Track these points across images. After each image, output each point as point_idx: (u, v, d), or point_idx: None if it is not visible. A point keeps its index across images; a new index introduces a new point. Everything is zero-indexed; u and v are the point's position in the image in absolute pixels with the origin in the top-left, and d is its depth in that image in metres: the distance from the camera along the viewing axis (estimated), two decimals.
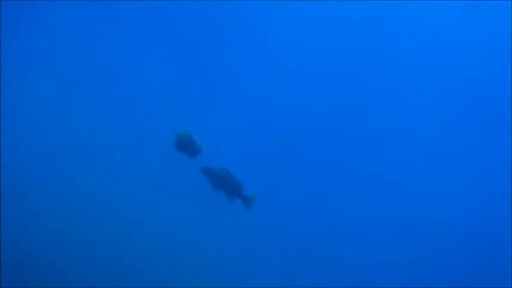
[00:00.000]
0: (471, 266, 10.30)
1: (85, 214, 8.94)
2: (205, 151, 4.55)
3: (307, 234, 10.27)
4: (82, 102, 10.23)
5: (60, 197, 9.05)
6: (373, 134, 11.31)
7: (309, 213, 10.49)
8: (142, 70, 10.76)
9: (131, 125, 10.37)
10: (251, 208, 4.96)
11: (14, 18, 10.09)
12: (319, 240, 10.24)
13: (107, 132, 10.14)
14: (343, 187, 10.84)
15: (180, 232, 9.33)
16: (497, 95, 11.20)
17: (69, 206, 9.00)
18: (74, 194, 9.15)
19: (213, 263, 9.17)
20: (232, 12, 11.10)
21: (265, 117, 11.13)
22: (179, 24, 11.09)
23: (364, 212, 10.70)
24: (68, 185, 9.25)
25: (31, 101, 9.91)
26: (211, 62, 11.24)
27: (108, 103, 10.43)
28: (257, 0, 11.10)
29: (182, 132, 4.36)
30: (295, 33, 11.43)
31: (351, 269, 10.04)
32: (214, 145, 4.94)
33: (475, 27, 11.29)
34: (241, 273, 9.24)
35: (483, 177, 11.12)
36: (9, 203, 8.55)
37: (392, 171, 11.09)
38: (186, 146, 4.38)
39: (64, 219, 8.79)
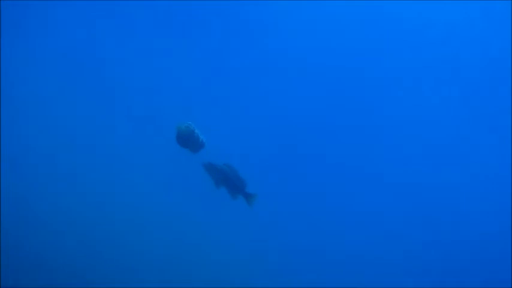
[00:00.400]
0: (471, 266, 10.26)
1: (84, 212, 8.91)
2: (207, 146, 4.48)
3: (309, 233, 10.23)
4: (83, 99, 10.22)
5: (60, 195, 9.02)
6: (374, 134, 11.29)
7: (311, 212, 10.46)
8: (145, 67, 10.74)
9: (132, 121, 10.34)
10: (253, 205, 4.88)
11: (14, 18, 10.07)
12: (320, 239, 10.20)
13: (108, 128, 10.11)
14: (346, 186, 10.81)
15: (181, 229, 9.28)
16: (497, 95, 11.18)
17: (68, 204, 8.97)
18: (74, 193, 9.12)
19: (214, 261, 9.13)
20: (235, 10, 11.08)
21: (267, 113, 11.10)
22: (182, 21, 11.07)
23: (365, 212, 10.67)
24: (67, 183, 9.22)
25: (31, 99, 9.88)
26: (213, 57, 11.22)
27: (110, 100, 10.42)
28: (258, 0, 11.10)
29: (184, 127, 4.27)
30: (298, 31, 11.42)
31: (350, 268, 10.01)
32: (217, 140, 4.88)
33: (476, 27, 11.28)
34: (242, 271, 9.19)
35: (483, 177, 11.09)
36: (9, 203, 8.52)
37: (394, 171, 11.06)
38: (188, 140, 4.28)
39: (63, 217, 8.76)
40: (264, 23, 11.32)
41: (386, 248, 10.30)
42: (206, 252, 9.20)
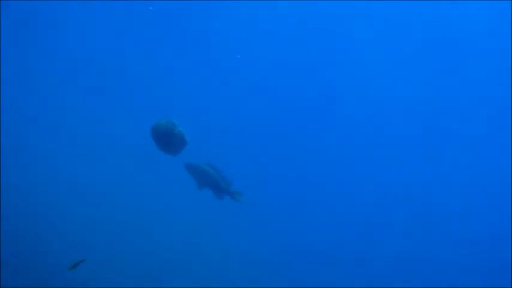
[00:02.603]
0: (471, 266, 10.06)
1: (83, 213, 8.96)
2: (191, 144, 4.25)
3: (299, 231, 10.17)
4: (80, 98, 10.30)
5: (59, 195, 9.07)
6: (372, 133, 11.14)
7: (299, 210, 10.40)
8: (140, 65, 10.74)
9: (119, 120, 10.37)
10: (241, 202, 4.75)
11: (14, 17, 10.12)
12: (312, 238, 10.12)
13: (95, 128, 10.17)
14: (339, 184, 10.70)
15: (171, 229, 9.27)
16: (497, 95, 10.98)
17: (68, 204, 9.02)
18: (73, 193, 9.18)
19: (206, 260, 9.10)
20: (224, 9, 11.01)
21: (254, 111, 11.07)
22: (173, 19, 11.04)
23: (363, 211, 10.54)
24: (67, 184, 9.28)
25: (31, 98, 9.96)
26: (204, 57, 11.21)
27: (106, 98, 10.48)
28: (252, 1, 11.01)
29: (164, 123, 3.94)
30: (291, 31, 11.35)
31: (348, 268, 9.88)
32: (201, 138, 4.75)
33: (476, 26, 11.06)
34: (231, 272, 9.15)
35: (483, 177, 10.89)
36: (9, 203, 8.58)
37: (391, 170, 10.91)
38: (169, 138, 4.00)
39: (63, 217, 8.81)
40: (253, 23, 11.25)
41: (385, 247, 10.16)
42: (195, 251, 9.18)
